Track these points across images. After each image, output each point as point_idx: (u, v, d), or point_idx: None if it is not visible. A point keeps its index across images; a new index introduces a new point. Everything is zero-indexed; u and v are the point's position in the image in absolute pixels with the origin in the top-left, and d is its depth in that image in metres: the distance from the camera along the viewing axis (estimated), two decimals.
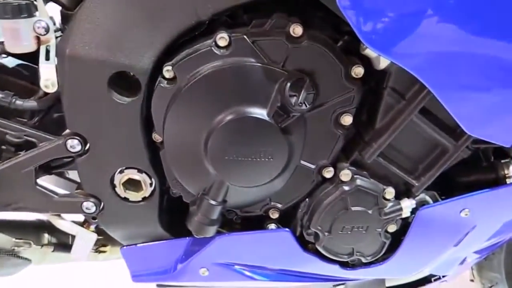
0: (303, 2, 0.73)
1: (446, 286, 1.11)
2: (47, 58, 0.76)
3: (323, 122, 0.76)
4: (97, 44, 0.72)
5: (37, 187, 0.83)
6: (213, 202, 0.79)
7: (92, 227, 0.96)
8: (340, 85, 0.73)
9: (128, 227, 0.91)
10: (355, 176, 0.79)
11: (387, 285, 1.03)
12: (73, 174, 1.00)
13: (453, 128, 0.77)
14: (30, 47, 0.76)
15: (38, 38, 0.76)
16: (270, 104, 0.72)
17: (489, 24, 0.62)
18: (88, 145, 0.80)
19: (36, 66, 0.88)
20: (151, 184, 0.84)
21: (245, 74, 0.72)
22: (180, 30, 0.72)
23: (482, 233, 0.89)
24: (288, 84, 0.70)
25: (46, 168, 0.86)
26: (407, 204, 0.81)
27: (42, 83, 0.76)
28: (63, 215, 0.91)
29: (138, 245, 0.92)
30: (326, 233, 0.82)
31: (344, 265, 0.89)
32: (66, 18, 0.81)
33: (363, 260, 0.87)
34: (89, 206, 0.85)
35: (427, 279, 1.07)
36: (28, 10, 0.74)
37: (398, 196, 0.82)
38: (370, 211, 0.80)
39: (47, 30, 0.75)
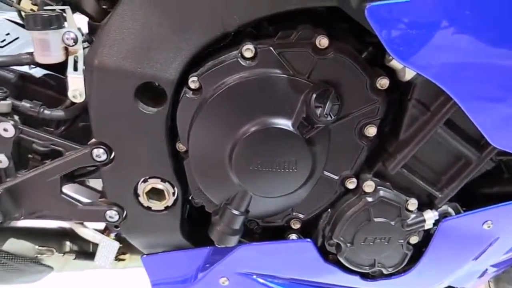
0: (327, 13, 0.74)
1: None
2: (75, 68, 0.77)
3: (347, 133, 0.76)
4: (125, 55, 0.73)
5: (62, 195, 0.85)
6: (236, 212, 0.80)
7: (112, 235, 0.97)
8: (365, 97, 0.73)
9: (150, 236, 0.91)
10: (378, 187, 0.79)
11: None
12: (93, 182, 1.01)
13: (477, 140, 0.77)
14: (58, 57, 0.78)
15: (66, 49, 0.78)
16: (295, 115, 0.73)
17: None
18: (113, 154, 0.81)
19: (62, 77, 0.91)
20: (174, 194, 0.85)
21: (271, 85, 0.72)
22: (206, 41, 0.73)
23: (504, 245, 0.89)
24: (314, 95, 0.70)
25: (70, 177, 0.87)
26: (430, 216, 0.81)
27: (70, 93, 0.77)
28: (85, 223, 0.92)
29: (159, 253, 0.93)
30: (349, 244, 0.82)
31: (365, 276, 0.89)
32: (93, 30, 0.83)
33: (384, 272, 0.86)
34: (112, 214, 0.86)
35: None
36: (57, 22, 0.76)
37: (421, 208, 0.82)
38: (392, 223, 0.80)
39: (75, 41, 0.77)
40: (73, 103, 0.82)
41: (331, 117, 0.72)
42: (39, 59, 0.78)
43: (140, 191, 0.85)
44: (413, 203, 0.80)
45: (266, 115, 0.73)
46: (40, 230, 0.97)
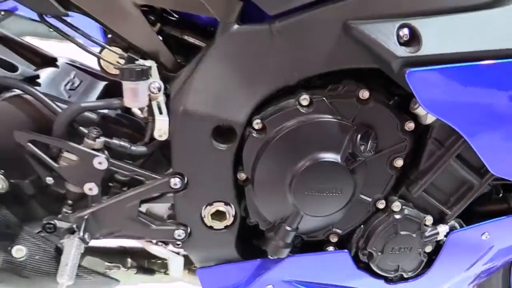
0: (367, 71, 0.93)
1: None
2: (160, 112, 0.93)
3: (380, 165, 0.96)
4: (205, 103, 0.90)
5: (139, 217, 1.00)
6: (289, 229, 0.97)
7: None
8: (396, 136, 0.93)
9: (207, 251, 1.07)
10: (403, 207, 0.99)
11: None
12: None
13: (479, 169, 0.98)
14: (144, 103, 0.93)
15: (149, 95, 0.94)
16: (343, 151, 0.92)
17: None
18: (186, 183, 0.97)
19: (131, 116, 1.06)
20: (233, 215, 1.02)
21: (323, 127, 0.91)
22: (270, 91, 0.91)
23: (496, 252, 1.10)
24: (359, 136, 0.90)
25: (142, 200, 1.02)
26: (443, 229, 1.01)
27: (156, 133, 0.93)
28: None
29: (213, 266, 1.09)
30: (379, 253, 1.01)
31: (387, 280, 1.08)
32: (167, 79, 0.99)
33: (405, 275, 1.06)
34: (180, 233, 1.01)
35: None
36: (146, 74, 0.92)
37: (435, 223, 1.02)
38: (414, 235, 1.00)
39: (159, 89, 0.93)
40: (151, 140, 0.97)
41: (371, 153, 0.91)
42: (128, 104, 0.93)
43: (205, 213, 1.01)
44: (429, 219, 1.01)
45: (319, 151, 0.92)
46: (107, 249, 1.11)
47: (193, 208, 1.00)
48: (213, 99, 0.91)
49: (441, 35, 0.83)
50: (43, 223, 0.96)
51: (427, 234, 1.01)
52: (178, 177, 0.96)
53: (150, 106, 0.94)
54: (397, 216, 0.98)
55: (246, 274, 1.09)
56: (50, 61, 1.18)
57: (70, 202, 0.99)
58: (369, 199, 0.99)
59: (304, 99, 0.91)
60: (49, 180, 0.96)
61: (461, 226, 1.06)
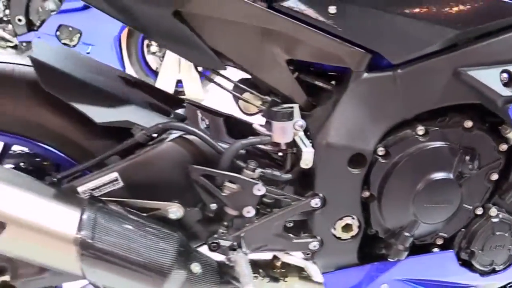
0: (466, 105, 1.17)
1: None
2: (305, 145, 1.14)
3: (480, 179, 1.19)
4: (344, 136, 1.13)
5: (283, 232, 1.20)
6: (408, 235, 1.19)
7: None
8: (493, 156, 1.17)
9: (333, 258, 1.28)
10: (498, 212, 1.22)
11: None
12: None
13: None
14: (289, 138, 1.15)
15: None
16: (454, 170, 1.15)
17: None
18: (324, 202, 1.18)
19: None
20: (358, 226, 1.23)
21: (437, 152, 1.15)
22: (392, 125, 1.14)
23: None
24: (468, 157, 1.13)
25: None
26: None
27: (302, 162, 1.13)
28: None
29: (337, 271, 1.29)
30: (480, 251, 1.23)
31: (482, 273, 1.30)
32: (303, 117, 1.20)
33: (497, 269, 1.29)
34: (316, 245, 1.22)
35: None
36: (293, 115, 1.14)
37: None
38: (506, 234, 1.23)
39: (302, 127, 1.15)
40: (292, 168, 1.19)
41: (476, 170, 1.15)
42: (277, 139, 1.14)
43: (336, 226, 1.22)
44: None
45: (436, 171, 1.15)
46: None
47: (328, 223, 1.21)
48: (350, 134, 1.13)
49: None
50: (209, 242, 1.16)
51: None
52: (318, 198, 1.17)
53: (293, 141, 1.16)
54: (494, 220, 1.22)
55: (364, 276, 1.30)
56: (178, 103, 1.38)
57: (225, 223, 1.19)
58: (470, 207, 1.22)
59: (421, 129, 1.14)
60: (213, 206, 1.16)
61: None
